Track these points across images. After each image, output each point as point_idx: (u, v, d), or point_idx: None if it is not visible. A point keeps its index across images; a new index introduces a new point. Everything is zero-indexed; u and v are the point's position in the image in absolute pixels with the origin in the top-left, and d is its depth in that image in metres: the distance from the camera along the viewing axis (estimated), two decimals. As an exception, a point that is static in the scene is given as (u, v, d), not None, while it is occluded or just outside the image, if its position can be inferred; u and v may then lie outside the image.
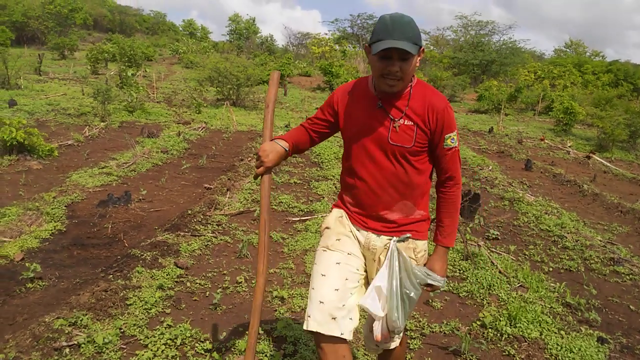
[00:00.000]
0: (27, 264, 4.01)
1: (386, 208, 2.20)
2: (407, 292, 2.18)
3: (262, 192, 2.29)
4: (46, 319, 3.23)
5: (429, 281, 2.20)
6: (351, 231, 2.29)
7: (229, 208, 5.92)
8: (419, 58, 2.05)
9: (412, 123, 2.09)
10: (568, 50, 47.18)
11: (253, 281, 4.14)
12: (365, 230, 2.26)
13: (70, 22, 41.99)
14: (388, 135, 2.11)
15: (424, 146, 2.12)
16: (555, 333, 3.67)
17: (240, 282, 4.09)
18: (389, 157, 2.13)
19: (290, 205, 6.22)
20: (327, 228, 2.35)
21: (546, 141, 14.74)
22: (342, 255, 2.25)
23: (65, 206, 5.58)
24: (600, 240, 6.02)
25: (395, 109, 2.12)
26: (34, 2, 40.22)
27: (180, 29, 60.23)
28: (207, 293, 3.88)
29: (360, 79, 2.26)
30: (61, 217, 5.28)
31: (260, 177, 2.29)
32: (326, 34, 43.10)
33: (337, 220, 2.34)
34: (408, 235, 2.22)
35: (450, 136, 2.10)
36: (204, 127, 11.99)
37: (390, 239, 2.21)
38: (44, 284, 3.89)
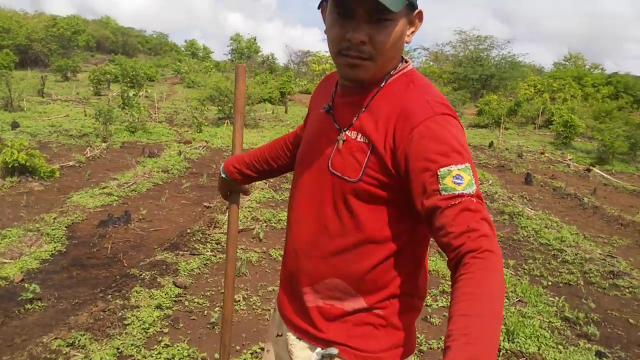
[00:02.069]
0: (26, 285, 4.03)
1: (307, 283, 1.33)
2: None
3: (228, 223, 1.83)
4: (44, 340, 3.25)
5: None
6: (280, 334, 1.49)
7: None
8: (412, 29, 1.24)
9: (365, 140, 1.21)
10: (567, 63, 47.37)
11: (251, 299, 4.16)
12: (285, 325, 1.44)
13: (73, 44, 42.43)
14: (329, 159, 1.26)
15: (385, 185, 1.19)
16: (553, 347, 3.67)
17: (239, 301, 4.11)
18: (324, 195, 1.27)
19: (290, 223, 6.24)
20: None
21: (546, 154, 14.75)
22: None
23: (65, 227, 5.61)
24: (600, 254, 6.02)
25: (348, 113, 1.27)
26: (38, 25, 40.73)
27: (183, 49, 60.81)
28: (205, 312, 3.90)
29: None
30: (61, 237, 5.30)
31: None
32: (327, 51, 43.41)
33: (273, 314, 1.61)
34: (333, 350, 1.26)
35: (449, 171, 1.07)
36: (205, 146, 12.05)
37: (315, 349, 1.31)
38: (42, 304, 3.91)
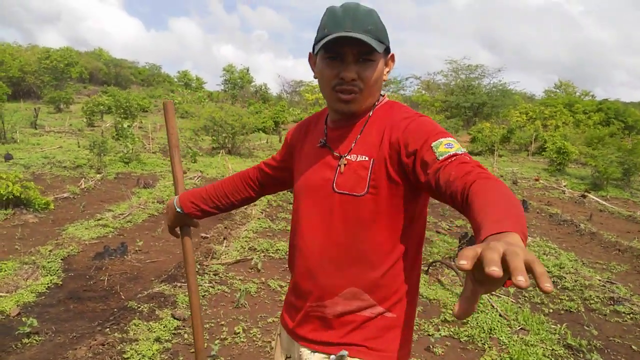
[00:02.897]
0: (23, 319, 3.97)
1: (325, 297, 1.43)
2: None
3: (184, 256, 1.83)
4: (42, 376, 3.18)
5: None
6: (289, 355, 1.58)
7: (225, 257, 5.90)
8: (387, 69, 1.46)
9: (365, 157, 1.38)
10: (558, 90, 48.02)
11: (251, 331, 4.11)
12: (298, 343, 1.52)
13: (66, 76, 42.60)
14: (333, 181, 1.41)
15: (390, 194, 1.36)
16: (559, 376, 3.62)
17: (239, 333, 4.05)
18: (333, 214, 1.41)
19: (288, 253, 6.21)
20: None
21: (541, 181, 14.83)
22: None
23: (61, 259, 5.55)
24: (599, 280, 6.00)
25: (344, 141, 1.46)
26: (31, 57, 40.94)
27: (175, 79, 61.19)
28: (205, 345, 3.83)
29: (325, 108, 1.61)
30: (57, 270, 5.24)
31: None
32: (319, 81, 43.82)
33: (277, 340, 1.69)
34: (343, 352, 1.40)
35: (440, 142, 1.26)
36: (199, 176, 12.03)
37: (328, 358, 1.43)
38: (40, 339, 3.84)
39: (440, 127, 1.34)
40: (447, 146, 1.24)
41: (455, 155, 1.22)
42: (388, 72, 1.46)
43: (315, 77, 1.47)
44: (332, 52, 1.36)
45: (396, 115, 1.40)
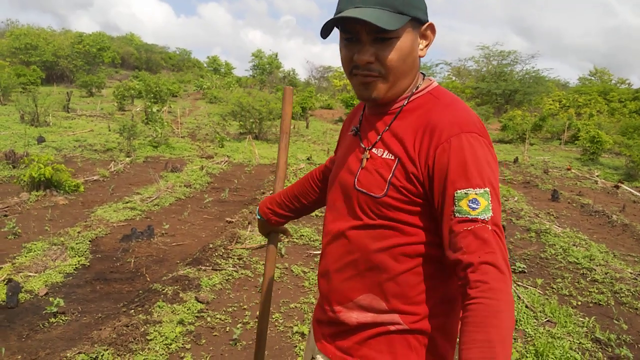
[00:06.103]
0: (50, 299, 4.05)
1: (341, 302, 1.29)
2: None
3: (265, 264, 1.83)
4: (68, 354, 3.23)
5: None
6: (314, 356, 1.42)
7: (250, 242, 5.92)
8: (425, 42, 1.23)
9: (392, 155, 1.20)
10: (593, 78, 46.82)
11: (274, 316, 4.11)
12: (317, 347, 1.40)
13: (99, 61, 43.24)
14: (355, 177, 1.26)
15: (412, 198, 1.16)
16: (586, 370, 3.54)
17: (261, 317, 4.05)
18: (355, 212, 1.26)
19: (312, 239, 6.20)
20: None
21: (573, 171, 14.51)
22: None
23: (89, 241, 5.64)
24: (630, 273, 5.85)
25: (372, 132, 1.28)
26: (64, 42, 41.64)
27: (205, 65, 61.57)
28: (227, 328, 3.85)
29: None
30: (85, 251, 5.33)
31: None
32: (348, 67, 43.63)
33: (307, 339, 1.57)
34: None
35: (466, 194, 1.06)
36: (226, 161, 12.10)
37: None
38: (66, 318, 3.91)
39: (481, 159, 1.10)
40: (471, 204, 1.05)
41: (474, 221, 1.04)
42: (427, 45, 1.23)
43: None
44: (346, 32, 1.18)
45: (438, 116, 1.16)
